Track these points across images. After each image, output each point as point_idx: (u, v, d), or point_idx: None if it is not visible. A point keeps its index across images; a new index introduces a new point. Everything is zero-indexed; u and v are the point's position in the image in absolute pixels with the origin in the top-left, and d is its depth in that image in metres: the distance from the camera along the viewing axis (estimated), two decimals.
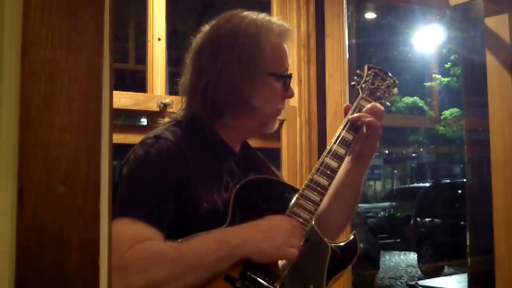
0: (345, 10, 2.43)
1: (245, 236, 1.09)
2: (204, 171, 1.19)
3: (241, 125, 1.27)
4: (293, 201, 1.19)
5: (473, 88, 3.61)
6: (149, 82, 2.29)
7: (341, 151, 1.25)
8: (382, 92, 1.35)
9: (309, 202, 1.19)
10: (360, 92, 1.34)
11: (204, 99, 1.22)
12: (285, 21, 1.33)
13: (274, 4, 2.43)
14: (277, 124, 1.31)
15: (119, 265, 0.98)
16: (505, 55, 2.30)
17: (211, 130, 1.25)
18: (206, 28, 1.28)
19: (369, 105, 1.30)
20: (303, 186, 1.22)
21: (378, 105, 1.31)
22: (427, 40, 9.27)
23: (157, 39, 2.32)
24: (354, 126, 1.28)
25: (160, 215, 1.10)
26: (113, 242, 1.02)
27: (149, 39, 2.33)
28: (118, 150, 1.16)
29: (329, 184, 1.22)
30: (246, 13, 1.28)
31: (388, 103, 1.36)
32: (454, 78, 9.78)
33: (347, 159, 1.31)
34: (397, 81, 1.37)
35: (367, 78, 1.36)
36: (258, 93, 1.22)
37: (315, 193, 1.20)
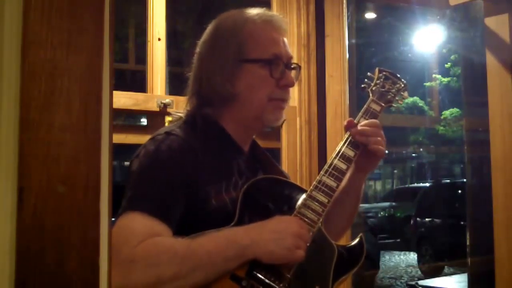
0: (345, 10, 2.43)
1: (254, 236, 1.09)
2: (214, 169, 1.19)
3: (235, 116, 1.27)
4: (300, 201, 1.19)
5: (473, 88, 3.61)
6: (149, 82, 2.29)
7: (350, 153, 1.25)
8: (393, 95, 1.33)
9: (316, 203, 1.18)
10: (371, 95, 1.33)
11: (195, 94, 1.28)
12: (285, 21, 1.32)
13: (274, 4, 2.43)
14: (280, 117, 1.28)
15: (128, 259, 0.99)
16: (505, 55, 2.30)
17: (219, 128, 1.26)
18: None
19: (369, 127, 1.27)
20: (311, 187, 1.21)
21: (376, 124, 1.29)
22: (427, 40, 9.28)
23: (157, 39, 2.32)
24: None
25: (170, 211, 1.10)
26: (123, 236, 1.03)
27: (149, 39, 2.33)
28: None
29: (337, 186, 1.21)
30: (234, 11, 1.30)
31: (395, 105, 1.34)
32: (454, 78, 9.78)
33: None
34: (407, 85, 1.35)
35: (377, 81, 1.34)
36: (236, 81, 1.23)
37: (323, 195, 1.19)
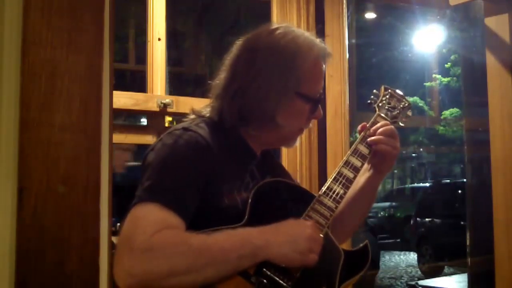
0: (345, 10, 2.43)
1: (269, 238, 1.10)
2: (228, 169, 1.21)
3: (262, 137, 1.30)
4: (310, 205, 1.22)
5: (473, 88, 3.61)
6: (149, 82, 2.29)
7: (357, 163, 1.30)
8: (398, 112, 1.41)
9: (324, 208, 1.22)
10: (377, 110, 1.40)
11: (233, 105, 1.25)
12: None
13: (274, 4, 2.43)
14: (297, 142, 1.35)
15: (144, 248, 1.00)
16: (505, 55, 2.30)
17: (236, 133, 1.28)
18: (249, 35, 1.31)
19: (382, 128, 1.33)
20: (320, 192, 1.25)
21: (391, 127, 1.35)
22: (427, 40, 9.27)
23: (157, 39, 2.32)
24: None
25: (186, 205, 1.11)
26: (139, 225, 1.04)
27: (149, 39, 2.33)
28: None
29: (345, 193, 1.26)
30: (291, 29, 1.31)
31: (401, 124, 1.41)
32: (454, 78, 9.77)
33: (366, 166, 1.36)
34: (411, 104, 1.44)
35: (383, 98, 1.42)
36: (283, 110, 1.25)
37: (331, 200, 1.24)
